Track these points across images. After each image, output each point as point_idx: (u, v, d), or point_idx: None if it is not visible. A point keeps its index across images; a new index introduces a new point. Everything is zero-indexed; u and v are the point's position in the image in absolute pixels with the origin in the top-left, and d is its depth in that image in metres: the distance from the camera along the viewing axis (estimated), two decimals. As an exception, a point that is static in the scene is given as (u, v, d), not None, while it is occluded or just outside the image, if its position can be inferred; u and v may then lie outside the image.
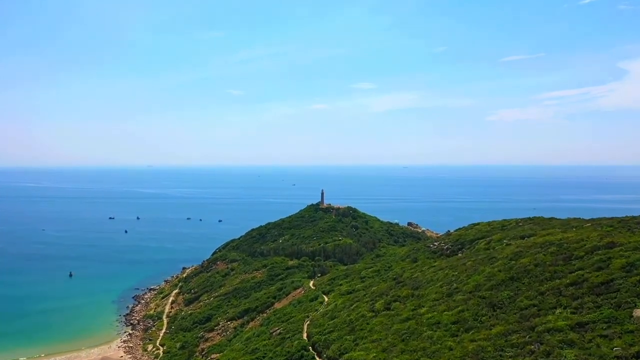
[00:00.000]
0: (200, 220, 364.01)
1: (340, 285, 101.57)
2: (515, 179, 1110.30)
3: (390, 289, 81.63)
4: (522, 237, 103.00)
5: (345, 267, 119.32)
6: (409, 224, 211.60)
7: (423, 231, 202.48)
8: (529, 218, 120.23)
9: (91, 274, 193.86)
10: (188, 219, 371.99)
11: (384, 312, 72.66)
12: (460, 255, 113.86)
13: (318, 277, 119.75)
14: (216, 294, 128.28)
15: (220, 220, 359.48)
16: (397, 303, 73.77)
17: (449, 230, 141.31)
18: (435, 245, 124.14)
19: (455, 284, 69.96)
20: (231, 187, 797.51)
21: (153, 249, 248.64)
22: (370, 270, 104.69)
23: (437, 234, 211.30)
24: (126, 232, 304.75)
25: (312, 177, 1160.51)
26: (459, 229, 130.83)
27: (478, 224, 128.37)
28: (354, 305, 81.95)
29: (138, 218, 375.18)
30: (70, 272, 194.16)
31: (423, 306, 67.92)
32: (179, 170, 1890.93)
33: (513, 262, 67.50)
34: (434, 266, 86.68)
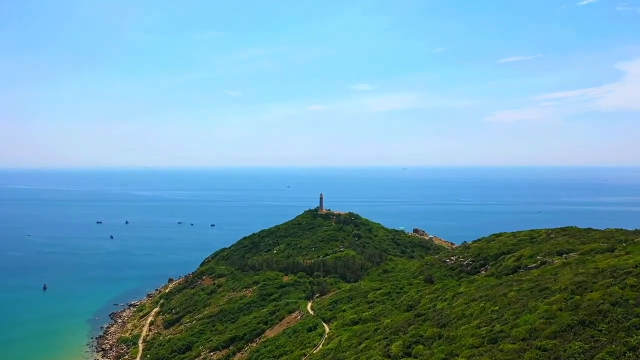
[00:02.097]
0: (192, 224, 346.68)
1: (344, 311, 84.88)
2: (514, 180, 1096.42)
3: (409, 324, 64.92)
4: (560, 254, 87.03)
5: (349, 287, 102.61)
6: (415, 230, 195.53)
7: (430, 238, 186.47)
8: (562, 228, 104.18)
9: (67, 287, 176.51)
10: (179, 223, 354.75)
11: (404, 358, 55.98)
12: (483, 273, 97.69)
13: (317, 297, 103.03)
14: (199, 315, 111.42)
15: (212, 225, 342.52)
16: (420, 346, 57.02)
17: (465, 242, 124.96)
18: (452, 260, 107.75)
19: (497, 324, 53.23)
20: (227, 189, 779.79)
21: (138, 257, 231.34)
22: (379, 292, 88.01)
23: (446, 241, 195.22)
24: (112, 237, 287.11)
25: (309, 179, 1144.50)
26: (479, 240, 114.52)
27: (501, 234, 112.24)
28: (363, 343, 65.26)
29: (127, 222, 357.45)
30: (45, 285, 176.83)
31: (457, 354, 51.20)
32: (175, 171, 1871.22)
33: (577, 297, 50.82)
34: (461, 293, 69.93)
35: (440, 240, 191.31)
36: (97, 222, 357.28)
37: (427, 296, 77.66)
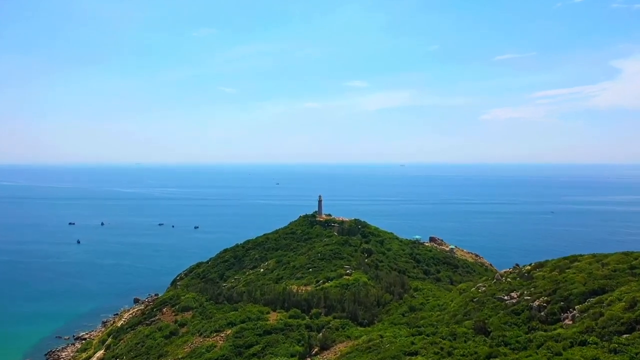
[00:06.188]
0: (173, 226, 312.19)
1: (363, 395, 52.05)
2: (516, 177, 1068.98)
3: None
4: None
5: (363, 338, 69.55)
6: (432, 239, 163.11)
7: (452, 249, 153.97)
8: (672, 252, 71.90)
9: (5, 311, 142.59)
10: (160, 224, 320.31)
11: None
12: (569, 323, 64.48)
13: (316, 354, 70.09)
14: (150, 372, 78.28)
15: (196, 227, 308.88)
16: None
17: (517, 265, 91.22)
18: (514, 298, 75.13)
19: None
20: (217, 187, 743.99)
21: (105, 267, 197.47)
22: (416, 361, 55.10)
23: (469, 252, 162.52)
24: (79, 242, 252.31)
25: (304, 176, 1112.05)
26: (544, 265, 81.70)
27: (576, 258, 79.73)
28: None
29: (102, 224, 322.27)
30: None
31: None
32: (168, 168, 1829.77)
33: None
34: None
35: (462, 251, 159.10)
36: (70, 224, 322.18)
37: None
